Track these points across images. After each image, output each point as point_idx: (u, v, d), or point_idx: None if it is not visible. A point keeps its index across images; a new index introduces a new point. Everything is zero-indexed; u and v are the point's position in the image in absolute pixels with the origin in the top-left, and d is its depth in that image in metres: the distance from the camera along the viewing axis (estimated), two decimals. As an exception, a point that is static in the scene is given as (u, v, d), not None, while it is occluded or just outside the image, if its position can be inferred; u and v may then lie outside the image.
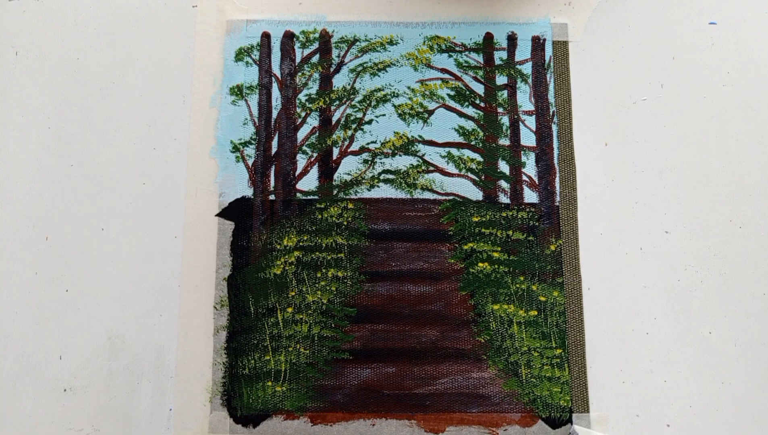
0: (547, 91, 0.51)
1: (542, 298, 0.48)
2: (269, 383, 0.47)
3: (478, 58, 0.51)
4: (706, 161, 0.50)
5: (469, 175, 0.50)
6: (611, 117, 0.51)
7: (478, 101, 0.51)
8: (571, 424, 0.46)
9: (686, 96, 0.51)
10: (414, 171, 0.50)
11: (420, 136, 0.50)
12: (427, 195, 0.50)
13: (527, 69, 0.51)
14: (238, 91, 0.51)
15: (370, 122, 0.51)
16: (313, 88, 0.51)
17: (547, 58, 0.51)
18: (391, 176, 0.50)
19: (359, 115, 0.51)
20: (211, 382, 0.47)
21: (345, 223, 0.49)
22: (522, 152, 0.50)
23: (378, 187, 0.50)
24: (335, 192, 0.50)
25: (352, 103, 0.51)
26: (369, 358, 0.47)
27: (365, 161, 0.50)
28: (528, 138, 0.50)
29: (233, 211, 0.49)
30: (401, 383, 0.47)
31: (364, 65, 0.51)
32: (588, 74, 0.51)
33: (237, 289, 0.48)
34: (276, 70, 0.51)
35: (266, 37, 0.51)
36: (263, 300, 0.48)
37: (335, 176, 0.50)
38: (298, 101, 0.51)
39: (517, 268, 0.48)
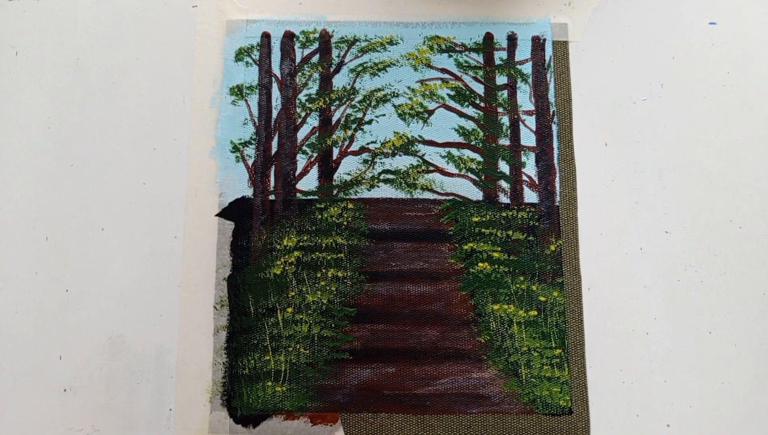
0: (547, 91, 0.51)
1: (542, 298, 0.48)
2: (269, 383, 0.47)
3: (478, 58, 0.51)
4: (706, 161, 0.50)
5: (469, 175, 0.50)
6: (611, 117, 0.51)
7: (478, 101, 0.51)
8: None
9: (686, 96, 0.51)
10: (414, 171, 0.50)
11: (420, 136, 0.50)
12: (427, 195, 0.50)
13: (527, 69, 0.51)
14: (238, 91, 0.51)
15: (370, 122, 0.51)
16: (313, 88, 0.51)
17: (547, 58, 0.51)
18: (391, 176, 0.50)
19: (359, 115, 0.51)
20: (211, 382, 0.47)
21: (345, 223, 0.49)
22: (522, 152, 0.50)
23: (378, 187, 0.50)
24: (335, 192, 0.49)
25: (352, 103, 0.51)
26: (369, 358, 0.47)
27: (365, 161, 0.50)
28: (528, 138, 0.50)
29: (233, 211, 0.49)
30: (401, 383, 0.47)
31: (364, 65, 0.51)
32: (588, 74, 0.51)
33: (237, 289, 0.48)
34: (276, 70, 0.51)
35: (266, 37, 0.51)
36: (263, 300, 0.48)
37: (335, 176, 0.50)
38: (298, 101, 0.51)
39: (517, 268, 0.48)
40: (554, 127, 0.50)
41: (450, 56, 0.51)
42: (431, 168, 0.50)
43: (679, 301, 0.48)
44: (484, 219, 0.49)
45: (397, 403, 0.47)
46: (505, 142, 0.50)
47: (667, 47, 0.52)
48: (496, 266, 0.48)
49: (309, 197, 0.49)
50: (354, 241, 0.49)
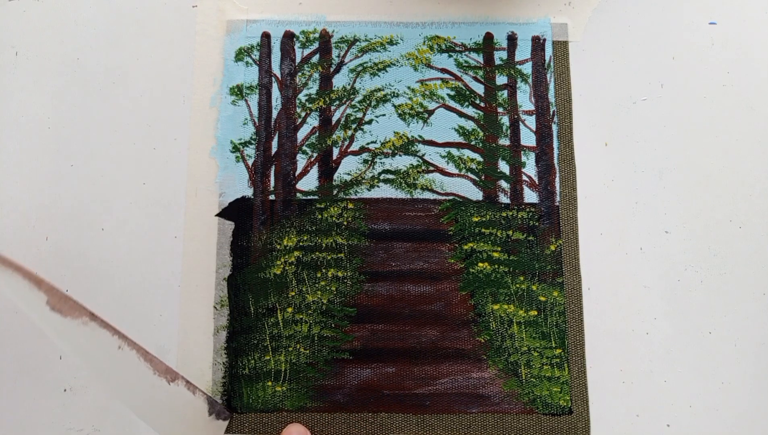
0: (547, 91, 0.51)
1: (542, 298, 0.48)
2: (269, 383, 0.47)
3: (478, 58, 0.51)
4: (706, 161, 0.50)
5: (469, 175, 0.50)
6: (611, 117, 0.51)
7: (478, 101, 0.51)
8: None
9: (686, 96, 0.51)
10: (414, 171, 0.50)
11: (420, 136, 0.50)
12: (427, 195, 0.50)
13: (527, 69, 0.51)
14: (238, 91, 0.51)
15: (370, 122, 0.51)
16: (313, 88, 0.51)
17: (547, 58, 0.51)
18: (391, 176, 0.50)
19: (359, 115, 0.51)
20: (211, 382, 0.47)
21: (345, 223, 0.49)
22: (522, 152, 0.50)
23: (378, 187, 0.50)
24: (335, 192, 0.50)
25: (352, 103, 0.51)
26: (369, 358, 0.47)
27: (365, 161, 0.50)
28: (528, 138, 0.50)
29: (233, 211, 0.49)
30: (401, 383, 0.47)
31: (364, 65, 0.51)
32: (588, 74, 0.51)
33: (237, 289, 0.48)
34: (276, 70, 0.51)
35: (266, 37, 0.51)
36: (263, 300, 0.48)
37: (335, 176, 0.50)
38: (298, 101, 0.51)
39: (517, 268, 0.48)
40: (554, 127, 0.50)
41: (450, 56, 0.51)
42: (431, 168, 0.50)
43: (679, 301, 0.48)
44: (484, 219, 0.49)
45: (397, 402, 0.47)
46: (505, 142, 0.50)
47: (667, 47, 0.52)
48: (496, 266, 0.48)
49: (309, 197, 0.49)
50: (354, 241, 0.49)
